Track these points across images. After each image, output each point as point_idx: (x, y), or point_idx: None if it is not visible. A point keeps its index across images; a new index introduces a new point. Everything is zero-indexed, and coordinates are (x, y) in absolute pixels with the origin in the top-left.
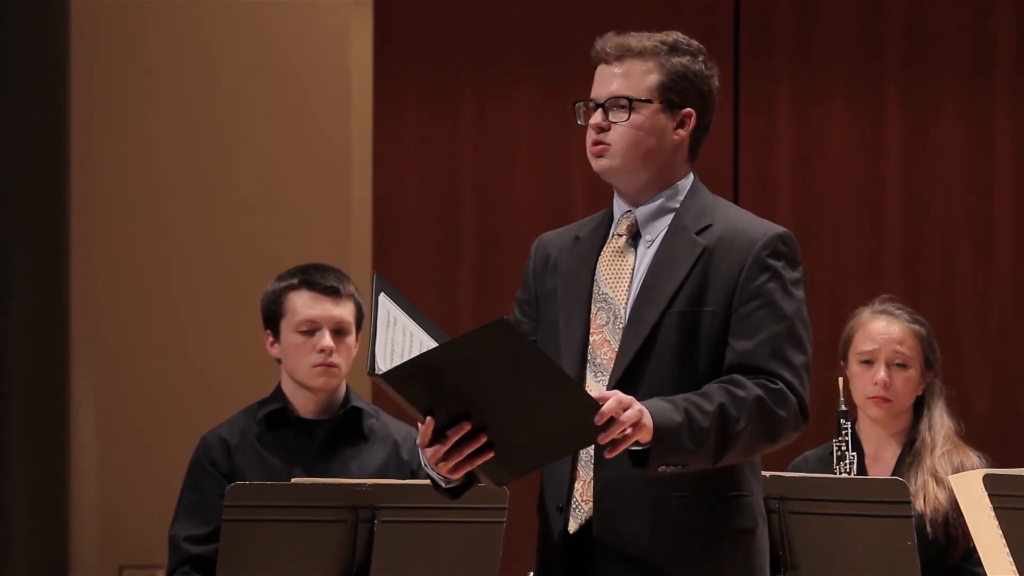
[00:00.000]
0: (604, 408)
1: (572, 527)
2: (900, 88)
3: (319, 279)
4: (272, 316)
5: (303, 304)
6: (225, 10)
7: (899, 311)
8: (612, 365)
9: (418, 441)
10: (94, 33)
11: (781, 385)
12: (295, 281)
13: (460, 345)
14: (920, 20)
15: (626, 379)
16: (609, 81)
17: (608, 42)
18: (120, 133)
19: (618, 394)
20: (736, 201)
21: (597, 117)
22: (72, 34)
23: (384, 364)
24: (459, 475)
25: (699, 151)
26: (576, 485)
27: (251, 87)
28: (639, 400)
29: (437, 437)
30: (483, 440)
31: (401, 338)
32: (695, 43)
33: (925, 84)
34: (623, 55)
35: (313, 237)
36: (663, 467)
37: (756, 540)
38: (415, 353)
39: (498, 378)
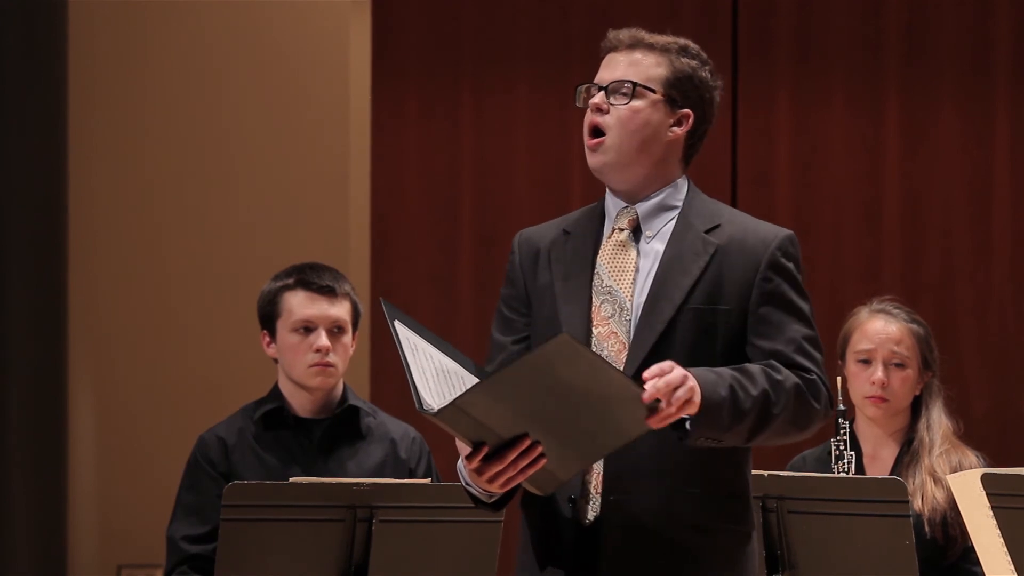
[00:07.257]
0: (647, 394)
1: (589, 517)
2: (899, 88)
3: (315, 279)
4: (268, 316)
5: (299, 304)
6: (224, 10)
7: (897, 310)
8: (623, 357)
9: (466, 464)
10: (93, 33)
11: (815, 376)
12: (291, 281)
13: (520, 370)
14: (919, 20)
15: (640, 373)
16: (616, 67)
17: (622, 32)
18: (118, 133)
19: (665, 375)
20: (735, 201)
21: (598, 98)
22: (71, 34)
23: (429, 397)
24: (507, 488)
25: (693, 158)
26: (590, 476)
27: (250, 87)
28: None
29: (490, 459)
30: (538, 451)
31: (426, 363)
32: (704, 55)
33: (924, 84)
34: (635, 45)
35: (312, 237)
36: (700, 439)
37: (753, 541)
38: (442, 375)
39: (551, 391)
